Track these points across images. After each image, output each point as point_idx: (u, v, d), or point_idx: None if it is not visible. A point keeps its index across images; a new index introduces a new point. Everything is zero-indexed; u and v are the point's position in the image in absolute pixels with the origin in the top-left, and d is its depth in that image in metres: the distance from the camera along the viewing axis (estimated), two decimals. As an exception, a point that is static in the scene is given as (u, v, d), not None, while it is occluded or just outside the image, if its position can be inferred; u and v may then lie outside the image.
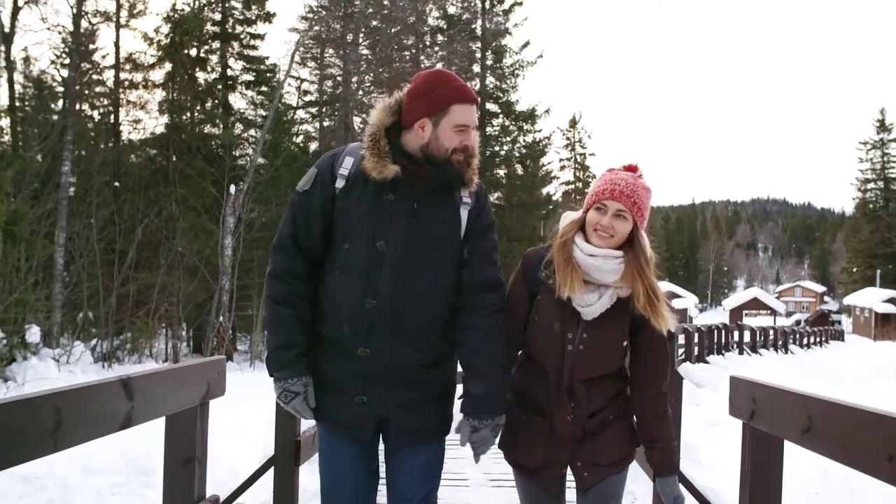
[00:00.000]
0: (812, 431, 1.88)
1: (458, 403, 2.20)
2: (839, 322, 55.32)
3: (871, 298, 48.56)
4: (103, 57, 21.57)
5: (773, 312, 63.14)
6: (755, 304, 65.93)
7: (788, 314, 71.58)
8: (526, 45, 29.26)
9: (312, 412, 2.16)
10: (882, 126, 57.67)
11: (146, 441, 5.35)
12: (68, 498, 4.06)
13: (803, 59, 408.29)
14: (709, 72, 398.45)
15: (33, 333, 11.25)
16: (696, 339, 12.80)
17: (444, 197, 2.10)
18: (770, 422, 2.17)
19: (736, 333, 17.45)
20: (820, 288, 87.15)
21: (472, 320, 2.10)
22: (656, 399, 2.12)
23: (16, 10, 18.43)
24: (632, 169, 2.13)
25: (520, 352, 2.26)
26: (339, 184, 2.07)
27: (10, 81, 18.19)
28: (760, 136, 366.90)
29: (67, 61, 20.72)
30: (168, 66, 21.00)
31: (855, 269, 58.33)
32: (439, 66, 28.14)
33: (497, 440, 2.18)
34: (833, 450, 1.80)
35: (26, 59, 20.40)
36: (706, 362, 12.95)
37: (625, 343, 2.11)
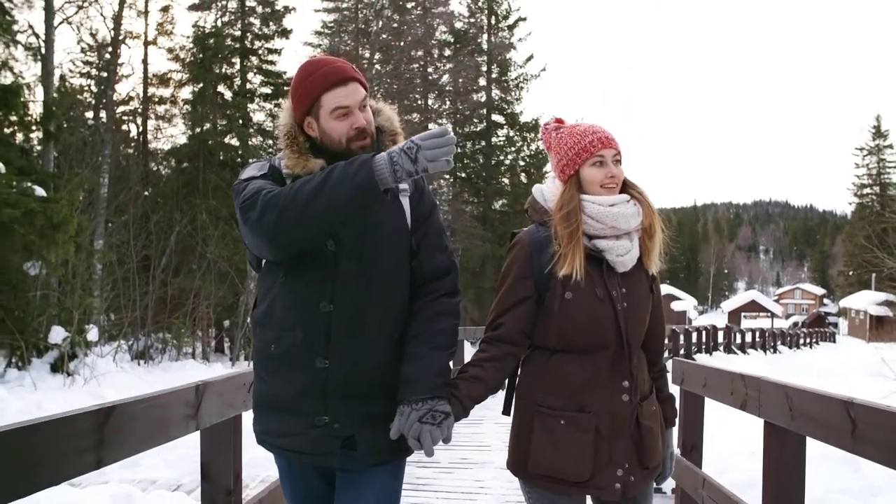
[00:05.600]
0: (707, 386, 3.26)
1: None
2: (835, 324, 56.57)
3: (866, 301, 49.77)
4: (120, 65, 23.01)
5: (772, 315, 64.38)
6: (753, 307, 67.25)
7: (787, 316, 72.78)
8: (530, 58, 30.61)
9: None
10: (878, 132, 58.88)
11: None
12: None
13: (806, 61, 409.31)
14: (711, 74, 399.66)
15: (93, 333, 12.60)
16: (681, 340, 14.17)
17: None
18: (689, 384, 3.55)
19: (722, 335, 18.83)
20: (819, 290, 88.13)
21: (415, 306, 1.94)
22: (661, 353, 2.08)
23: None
24: (562, 121, 2.08)
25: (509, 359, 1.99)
26: (287, 182, 1.87)
27: (49, 100, 19.55)
28: (763, 138, 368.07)
29: (101, 75, 22.22)
30: (196, 82, 22.32)
31: (851, 273, 59.45)
32: (445, 78, 29.60)
33: (446, 434, 1.81)
34: (713, 394, 3.19)
35: (61, 78, 21.81)
36: (693, 360, 14.35)
37: (651, 302, 2.00)
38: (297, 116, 1.91)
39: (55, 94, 16.57)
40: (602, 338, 1.91)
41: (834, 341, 38.38)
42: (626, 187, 1.99)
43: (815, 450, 6.03)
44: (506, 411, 2.06)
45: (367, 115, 1.89)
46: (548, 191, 2.05)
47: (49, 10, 15.49)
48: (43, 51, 15.83)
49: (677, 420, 2.24)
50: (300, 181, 1.75)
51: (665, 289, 64.24)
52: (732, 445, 6.04)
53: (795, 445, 2.38)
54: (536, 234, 1.99)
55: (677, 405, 2.70)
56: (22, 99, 12.26)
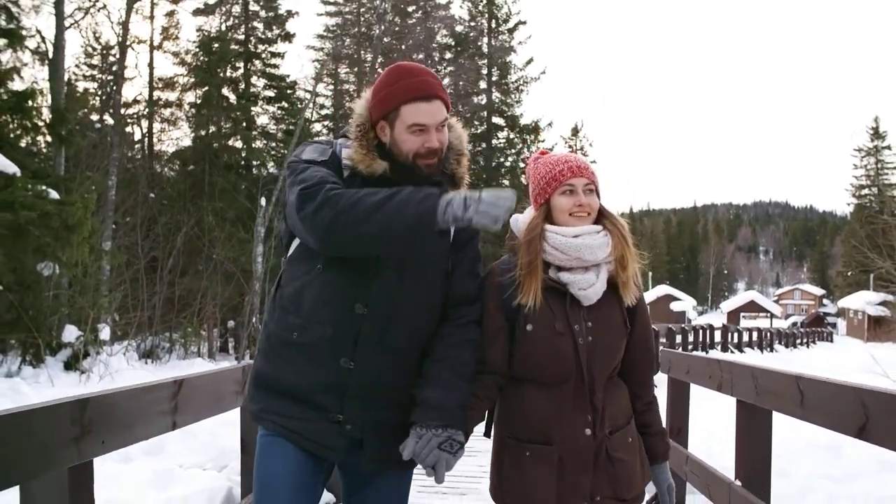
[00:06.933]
0: (690, 372, 3.61)
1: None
2: (834, 325, 56.89)
3: (864, 301, 50.06)
4: (126, 67, 23.38)
5: (770, 315, 64.69)
6: (752, 307, 67.57)
7: (787, 317, 73.08)
8: (530, 61, 31.03)
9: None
10: (876, 133, 59.21)
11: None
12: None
13: (807, 62, 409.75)
14: (711, 75, 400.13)
15: (105, 332, 12.94)
16: (678, 339, 14.52)
17: None
18: (675, 372, 3.90)
19: (718, 334, 19.18)
20: (819, 291, 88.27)
21: (440, 330, 1.93)
22: (648, 386, 2.04)
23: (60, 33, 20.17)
24: (545, 153, 2.08)
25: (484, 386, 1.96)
26: (345, 173, 1.87)
27: (60, 104, 19.90)
28: (763, 139, 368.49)
29: (105, 78, 22.64)
30: (201, 86, 22.67)
31: (850, 273, 59.70)
32: (447, 81, 30.01)
33: (454, 463, 1.81)
34: (695, 379, 3.54)
35: (67, 82, 22.16)
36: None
37: (626, 334, 1.96)
38: (373, 116, 1.89)
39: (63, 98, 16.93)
40: (561, 371, 1.91)
41: (831, 341, 38.75)
42: (602, 217, 1.98)
43: (800, 439, 6.41)
44: (487, 433, 2.09)
45: (443, 136, 1.89)
46: (522, 220, 2.04)
47: (59, 17, 15.80)
48: (50, 55, 16.15)
49: (665, 405, 2.44)
50: (365, 192, 1.71)
51: (664, 289, 64.74)
52: (720, 435, 6.38)
53: (762, 419, 2.73)
54: (507, 264, 2.00)
55: (665, 393, 3.06)
56: (34, 104, 12.60)
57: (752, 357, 18.65)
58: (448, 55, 30.34)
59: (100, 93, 23.74)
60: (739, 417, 2.87)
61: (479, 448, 6.05)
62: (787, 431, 6.33)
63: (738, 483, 2.85)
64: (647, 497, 2.09)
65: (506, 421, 1.97)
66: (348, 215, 1.68)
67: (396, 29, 28.28)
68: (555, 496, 1.87)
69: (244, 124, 23.42)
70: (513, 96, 30.79)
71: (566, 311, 1.90)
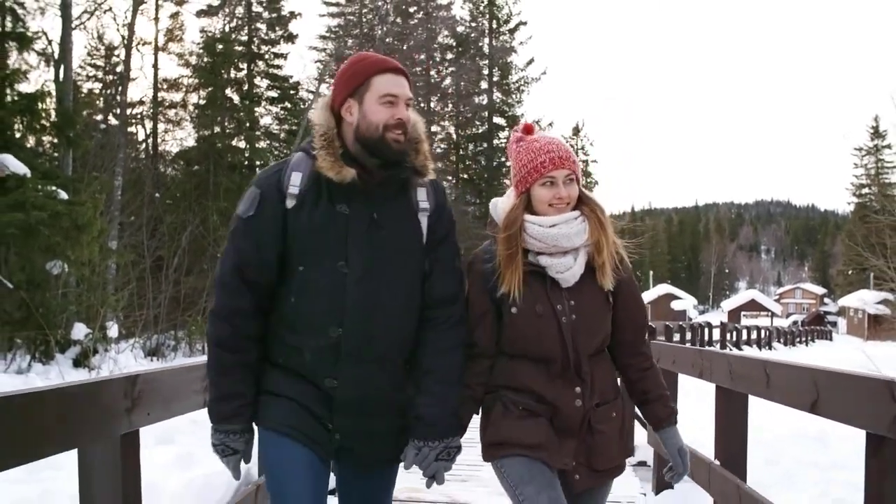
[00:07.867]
0: (676, 362, 3.86)
1: None
2: (834, 323, 57.04)
3: (864, 300, 50.19)
4: (130, 68, 23.62)
5: (771, 314, 64.85)
6: (753, 306, 67.75)
7: (788, 315, 73.21)
8: (530, 62, 31.32)
9: (242, 468, 2.04)
10: (876, 133, 59.31)
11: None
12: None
13: (809, 60, 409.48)
14: (713, 73, 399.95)
15: (113, 329, 13.17)
16: (676, 337, 14.71)
17: (401, 203, 1.94)
18: (663, 363, 4.14)
19: (717, 332, 19.39)
20: (820, 290, 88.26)
21: (425, 335, 1.96)
22: (641, 352, 2.07)
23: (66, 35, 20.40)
24: (530, 130, 2.07)
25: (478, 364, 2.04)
26: (290, 203, 1.86)
27: (68, 106, 20.12)
28: (765, 138, 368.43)
29: (109, 79, 22.87)
30: (205, 87, 22.92)
31: (850, 272, 59.79)
32: (448, 81, 30.23)
33: (452, 464, 1.97)
34: (681, 368, 3.78)
35: (74, 84, 22.38)
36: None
37: (610, 311, 2.02)
38: (339, 100, 1.90)
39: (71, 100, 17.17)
40: (547, 350, 1.96)
41: (830, 339, 38.91)
42: (580, 202, 2.02)
43: (786, 429, 6.62)
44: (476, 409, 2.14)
45: (409, 115, 1.91)
46: (501, 206, 2.07)
47: (66, 20, 16.02)
48: (56, 56, 16.35)
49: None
50: (215, 355, 1.94)
51: (665, 288, 64.97)
52: (708, 426, 6.62)
53: (739, 402, 2.97)
54: (488, 252, 2.05)
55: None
56: (44, 106, 12.83)
57: (747, 353, 18.82)
58: (449, 56, 30.57)
59: (104, 93, 23.99)
60: (718, 402, 3.12)
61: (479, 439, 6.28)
62: (778, 422, 6.57)
63: (717, 462, 3.10)
64: (630, 467, 2.27)
65: (499, 387, 2.02)
66: (207, 348, 1.99)
67: (398, 30, 28.53)
68: (543, 439, 1.94)
69: (248, 125, 23.65)
70: (514, 96, 31.09)
71: (547, 292, 1.96)
